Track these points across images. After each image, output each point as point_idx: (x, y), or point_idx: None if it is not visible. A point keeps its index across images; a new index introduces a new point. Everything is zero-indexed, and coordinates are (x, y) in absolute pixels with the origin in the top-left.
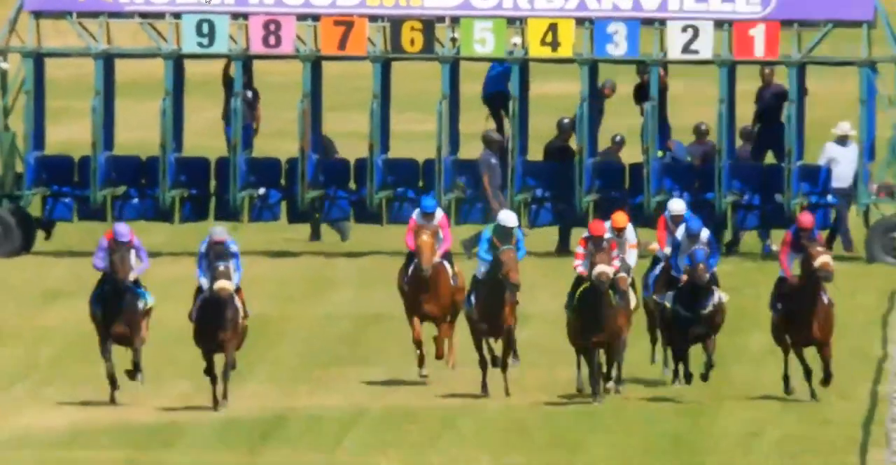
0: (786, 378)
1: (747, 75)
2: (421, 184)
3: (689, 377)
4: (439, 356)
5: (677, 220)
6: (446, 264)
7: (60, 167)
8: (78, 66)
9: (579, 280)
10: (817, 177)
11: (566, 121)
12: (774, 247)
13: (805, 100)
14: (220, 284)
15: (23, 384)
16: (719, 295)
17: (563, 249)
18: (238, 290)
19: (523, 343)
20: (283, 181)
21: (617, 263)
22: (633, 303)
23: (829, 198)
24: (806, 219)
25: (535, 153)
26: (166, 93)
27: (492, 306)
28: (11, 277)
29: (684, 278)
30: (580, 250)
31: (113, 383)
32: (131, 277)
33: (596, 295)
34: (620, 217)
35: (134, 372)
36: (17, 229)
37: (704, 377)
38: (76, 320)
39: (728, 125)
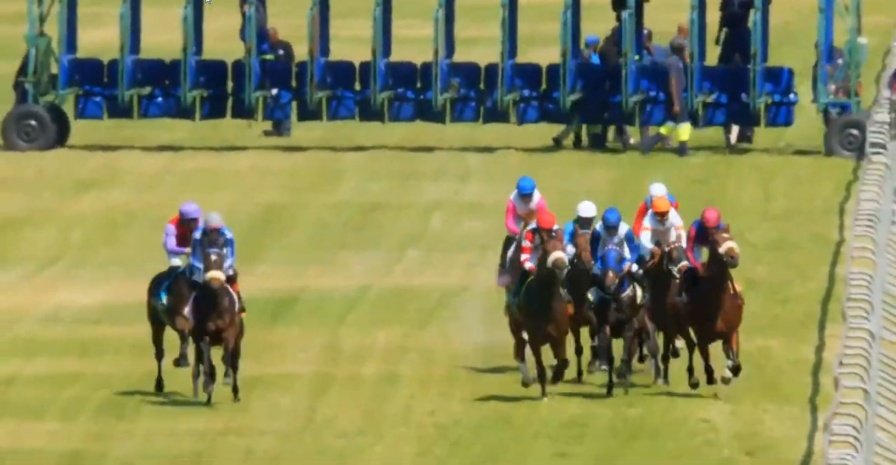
0: (690, 369)
1: None
2: (419, 85)
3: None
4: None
5: None
6: None
7: (91, 69)
8: None
9: (525, 274)
10: (780, 78)
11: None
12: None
13: (769, 7)
14: (211, 274)
15: (56, 266)
16: (638, 291)
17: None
18: (234, 281)
19: None
20: (293, 83)
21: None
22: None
23: (791, 97)
24: (711, 216)
25: (526, 57)
26: (187, 0)
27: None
28: (47, 168)
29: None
30: (527, 243)
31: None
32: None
33: (546, 286)
34: (663, 202)
35: (181, 360)
36: (52, 125)
37: (620, 374)
38: (106, 207)
39: (699, 30)
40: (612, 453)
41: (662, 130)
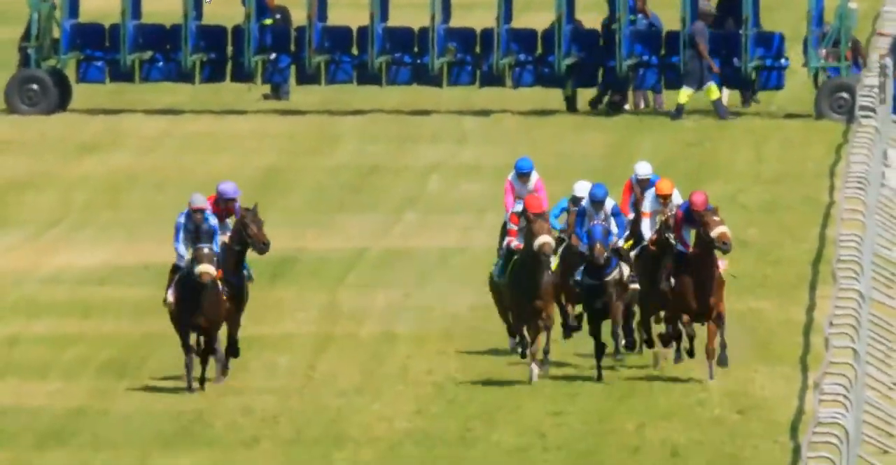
0: (689, 351)
1: None
2: (416, 49)
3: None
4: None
5: (643, 184)
6: None
7: (93, 34)
8: None
9: (510, 253)
10: (771, 42)
11: None
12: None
13: None
14: (202, 268)
15: (58, 228)
16: (625, 269)
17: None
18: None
19: None
20: (292, 47)
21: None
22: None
23: (782, 61)
24: (698, 199)
25: (521, 22)
26: None
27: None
28: (49, 131)
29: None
30: (513, 226)
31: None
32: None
33: (532, 265)
34: (665, 184)
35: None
36: (55, 89)
37: (615, 349)
38: (108, 170)
39: None
40: (605, 411)
41: (713, 93)
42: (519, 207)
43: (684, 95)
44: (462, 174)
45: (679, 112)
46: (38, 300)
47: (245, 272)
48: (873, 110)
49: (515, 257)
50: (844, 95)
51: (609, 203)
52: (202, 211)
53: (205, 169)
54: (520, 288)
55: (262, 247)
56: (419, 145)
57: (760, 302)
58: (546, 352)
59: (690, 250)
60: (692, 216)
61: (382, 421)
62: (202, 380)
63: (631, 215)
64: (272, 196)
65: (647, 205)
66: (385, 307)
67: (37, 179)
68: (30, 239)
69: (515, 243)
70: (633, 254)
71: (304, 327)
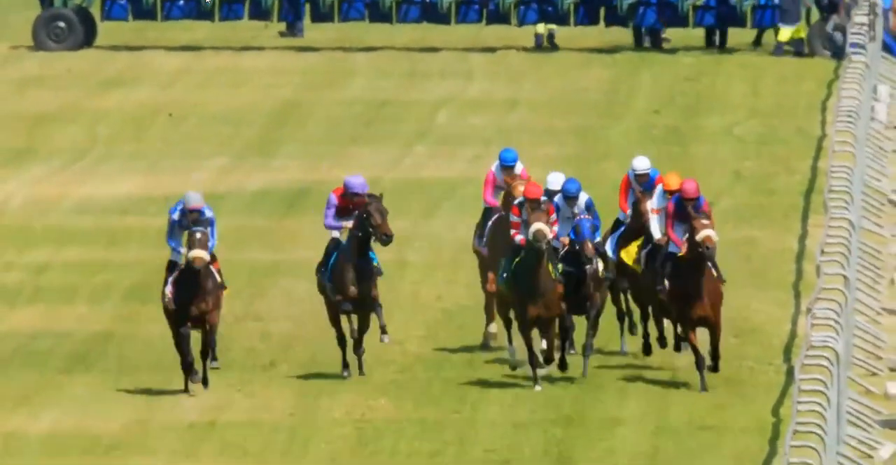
0: (660, 339)
1: None
2: None
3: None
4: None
5: (642, 179)
6: None
7: None
8: None
9: (516, 250)
10: None
11: None
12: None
13: None
14: (195, 253)
15: (85, 160)
16: (599, 264)
17: (552, 46)
18: (214, 259)
19: None
20: None
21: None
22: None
23: (776, 0)
24: (689, 187)
25: None
26: None
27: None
28: (75, 67)
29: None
30: (514, 218)
31: None
32: None
33: (533, 263)
34: (673, 179)
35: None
36: (80, 26)
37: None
38: (131, 104)
39: None
40: (607, 336)
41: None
42: (520, 199)
43: (784, 33)
44: (469, 108)
45: (779, 49)
46: (66, 229)
47: (374, 263)
48: (863, 47)
49: (518, 257)
50: (836, 32)
51: (583, 197)
52: (198, 211)
53: (223, 103)
54: (523, 289)
55: (385, 239)
56: (428, 81)
57: (755, 231)
58: (561, 355)
59: (683, 251)
60: (684, 208)
61: (394, 345)
62: (205, 379)
63: (629, 211)
64: (288, 129)
65: (655, 201)
66: (396, 236)
67: (64, 113)
68: (57, 170)
69: (520, 237)
70: (643, 253)
71: (318, 255)
